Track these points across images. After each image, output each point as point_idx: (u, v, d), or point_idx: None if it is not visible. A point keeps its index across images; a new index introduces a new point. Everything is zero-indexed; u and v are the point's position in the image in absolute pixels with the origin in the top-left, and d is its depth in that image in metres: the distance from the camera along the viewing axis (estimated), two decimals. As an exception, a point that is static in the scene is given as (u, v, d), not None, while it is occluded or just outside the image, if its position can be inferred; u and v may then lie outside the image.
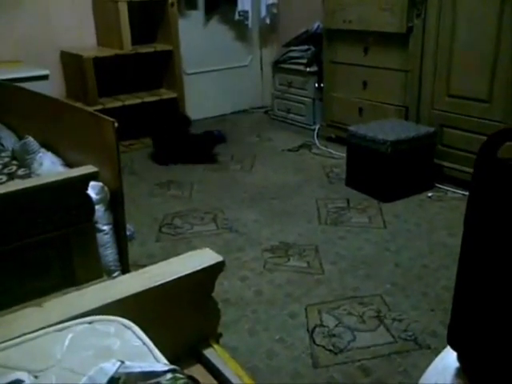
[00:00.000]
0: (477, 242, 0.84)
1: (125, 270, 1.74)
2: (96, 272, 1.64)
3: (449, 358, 0.96)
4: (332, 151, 3.60)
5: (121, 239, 1.73)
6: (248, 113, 4.65)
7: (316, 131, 3.91)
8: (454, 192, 2.85)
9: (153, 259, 2.21)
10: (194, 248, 1.18)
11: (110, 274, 1.72)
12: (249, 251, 2.36)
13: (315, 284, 2.10)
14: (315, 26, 4.00)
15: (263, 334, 1.82)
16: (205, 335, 1.16)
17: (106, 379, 0.73)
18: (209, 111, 4.46)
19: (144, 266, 1.95)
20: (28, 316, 0.93)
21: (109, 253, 1.70)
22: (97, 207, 1.61)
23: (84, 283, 1.62)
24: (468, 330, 0.90)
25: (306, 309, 1.94)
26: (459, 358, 0.94)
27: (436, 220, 2.59)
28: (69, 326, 0.89)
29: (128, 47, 3.55)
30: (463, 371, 0.94)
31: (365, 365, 1.66)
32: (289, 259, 2.29)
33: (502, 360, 0.85)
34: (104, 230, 1.67)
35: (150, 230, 2.58)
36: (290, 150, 3.68)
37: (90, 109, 2.78)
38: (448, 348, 0.96)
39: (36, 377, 0.78)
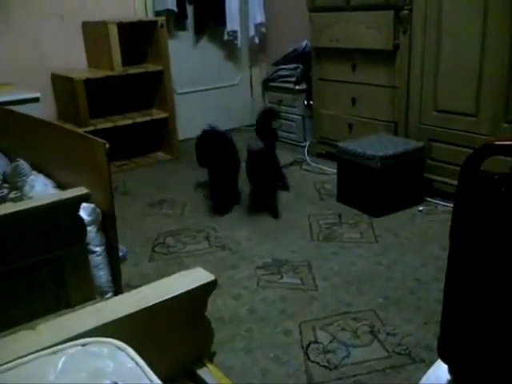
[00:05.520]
0: (462, 254, 0.86)
1: (118, 291, 1.74)
2: (89, 293, 1.64)
3: (440, 371, 0.97)
4: (323, 167, 3.62)
5: (113, 260, 1.73)
6: (239, 131, 4.67)
7: (306, 148, 3.94)
8: (444, 205, 2.88)
9: (146, 279, 2.20)
10: (187, 267, 1.19)
11: (103, 295, 1.72)
12: (242, 269, 2.36)
13: (309, 300, 2.10)
14: (303, 44, 4.06)
15: (257, 351, 1.82)
16: (199, 354, 1.16)
17: (99, 401, 0.74)
18: (198, 130, 4.47)
19: (137, 286, 1.95)
20: (21, 339, 0.93)
21: (102, 274, 1.70)
22: (89, 228, 1.62)
23: (77, 305, 1.62)
24: (458, 343, 0.92)
25: (299, 325, 1.94)
26: (450, 371, 0.95)
27: (427, 233, 2.61)
28: (62, 349, 0.89)
29: (119, 68, 3.58)
30: (455, 383, 0.95)
31: (360, 380, 1.66)
32: (282, 276, 2.29)
33: (491, 371, 0.86)
34: (96, 252, 1.67)
35: (142, 250, 2.58)
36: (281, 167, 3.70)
37: (82, 130, 2.80)
38: (439, 361, 0.97)
39: (29, 400, 0.78)
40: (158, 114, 3.91)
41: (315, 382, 1.67)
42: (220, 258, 2.48)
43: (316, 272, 2.31)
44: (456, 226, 0.87)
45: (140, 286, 1.39)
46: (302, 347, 1.83)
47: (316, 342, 1.85)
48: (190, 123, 4.31)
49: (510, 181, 0.83)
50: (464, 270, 0.87)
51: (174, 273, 2.26)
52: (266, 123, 3.04)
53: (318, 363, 1.75)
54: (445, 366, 0.97)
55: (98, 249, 1.67)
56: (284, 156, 3.90)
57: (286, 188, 3.20)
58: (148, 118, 3.85)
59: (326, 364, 1.74)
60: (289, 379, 1.68)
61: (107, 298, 1.67)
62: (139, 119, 3.80)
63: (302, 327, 1.93)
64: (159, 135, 4.04)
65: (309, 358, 1.77)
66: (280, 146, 4.13)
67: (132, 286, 2.04)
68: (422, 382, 1.02)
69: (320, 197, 3.16)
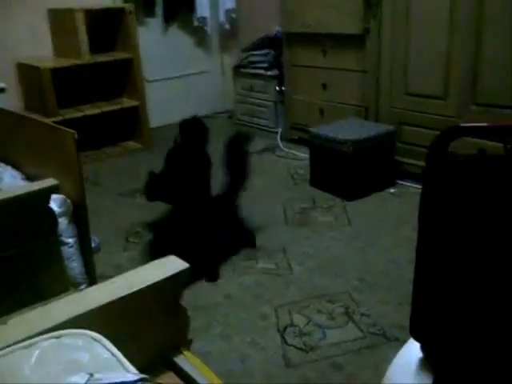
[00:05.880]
0: (431, 234, 0.88)
1: (92, 282, 1.72)
2: (62, 285, 1.62)
3: (413, 349, 1.00)
4: (295, 153, 3.64)
5: (86, 251, 1.72)
6: (211, 118, 4.64)
7: (279, 134, 3.95)
8: (415, 187, 2.92)
9: (120, 270, 2.18)
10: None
11: (76, 286, 1.70)
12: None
13: (284, 284, 2.12)
14: (275, 30, 4.04)
15: (235, 337, 1.83)
16: (175, 343, 1.16)
17: (75, 393, 0.73)
18: (170, 118, 4.43)
19: (111, 277, 1.93)
20: (-8, 334, 0.91)
21: (75, 266, 1.68)
22: (60, 220, 1.60)
23: (51, 297, 1.60)
24: (428, 321, 0.94)
25: (276, 309, 1.96)
26: (422, 348, 0.98)
27: (399, 215, 2.66)
28: (36, 342, 0.88)
29: (86, 57, 3.51)
30: (426, 360, 0.97)
31: (336, 361, 1.69)
32: (257, 262, 2.31)
33: (462, 347, 0.88)
34: (68, 243, 1.65)
35: (116, 241, 2.55)
36: (253, 153, 3.70)
37: (50, 120, 2.74)
38: (411, 339, 1.00)
39: (4, 395, 0.77)
40: (128, 103, 3.85)
41: (292, 364, 1.69)
42: (195, 245, 2.47)
43: (291, 256, 2.33)
44: (424, 207, 0.88)
45: (114, 276, 1.37)
46: (279, 331, 1.85)
47: (292, 325, 1.87)
48: (161, 111, 4.27)
49: (476, 162, 0.85)
50: (432, 251, 0.89)
51: (148, 262, 2.25)
52: (235, 152, 2.43)
53: (294, 346, 1.77)
54: (417, 344, 0.99)
55: (70, 240, 1.65)
56: (257, 142, 3.90)
57: (252, 244, 2.44)
58: (118, 107, 3.80)
59: (302, 346, 1.76)
60: (266, 363, 1.70)
61: (81, 290, 1.66)
62: (108, 108, 3.75)
63: (279, 311, 1.95)
64: (130, 124, 3.98)
65: (286, 342, 1.79)
66: (252, 133, 4.15)
67: (106, 277, 2.01)
68: (394, 360, 1.04)
69: (293, 182, 3.18)
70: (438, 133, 0.91)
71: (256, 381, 1.64)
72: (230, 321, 1.92)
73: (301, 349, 1.76)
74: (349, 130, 2.94)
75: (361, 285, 2.09)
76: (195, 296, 2.04)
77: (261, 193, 3.03)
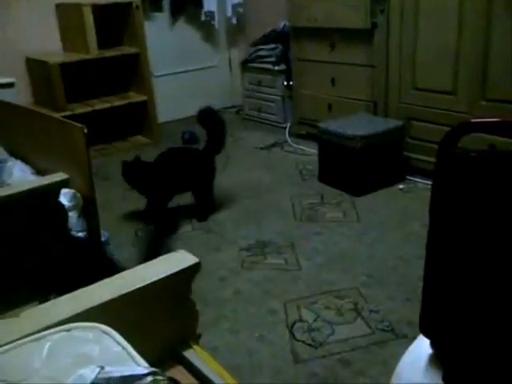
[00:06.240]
0: (441, 230, 0.87)
1: (101, 276, 1.73)
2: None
3: (422, 345, 0.99)
4: (304, 148, 3.63)
5: (96, 245, 1.72)
6: (219, 112, 4.65)
7: (287, 129, 3.94)
8: (424, 183, 2.91)
9: (131, 264, 2.19)
10: (170, 251, 1.19)
11: (86, 280, 1.71)
12: (226, 251, 2.37)
13: (293, 280, 2.13)
14: (282, 24, 4.02)
15: (243, 332, 1.84)
16: (184, 337, 1.17)
17: (86, 386, 0.74)
18: (178, 113, 4.44)
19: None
20: (4, 326, 0.92)
21: (84, 260, 1.69)
22: (70, 214, 1.60)
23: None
24: (438, 317, 0.94)
25: (284, 305, 1.97)
26: (432, 345, 0.98)
27: (408, 211, 2.65)
28: (46, 335, 0.88)
29: (94, 51, 3.52)
30: (436, 357, 0.97)
31: (344, 357, 1.69)
32: (266, 257, 2.31)
33: (472, 343, 0.88)
34: (79, 237, 1.66)
35: (125, 235, 2.56)
36: (262, 149, 3.70)
37: (59, 115, 2.75)
38: (421, 336, 0.99)
39: (15, 387, 0.78)
40: (136, 98, 3.86)
41: (301, 360, 1.69)
42: (203, 240, 2.48)
43: (299, 252, 2.32)
44: (434, 203, 0.88)
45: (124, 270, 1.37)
46: (287, 326, 1.85)
47: (301, 320, 1.88)
48: (169, 106, 4.28)
49: (487, 158, 0.84)
50: (443, 247, 0.88)
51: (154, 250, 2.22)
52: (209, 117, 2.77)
53: (303, 341, 1.77)
54: (426, 341, 0.99)
55: (80, 234, 1.66)
56: (265, 138, 3.91)
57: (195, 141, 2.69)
58: (126, 102, 3.80)
59: (311, 342, 1.77)
60: (275, 358, 1.71)
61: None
62: (117, 103, 3.75)
63: (287, 307, 1.96)
64: (138, 119, 3.99)
65: (294, 337, 1.79)
66: (261, 128, 4.15)
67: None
68: (404, 356, 1.04)
69: (302, 177, 3.17)
70: (447, 128, 0.90)
71: (264, 376, 1.64)
72: (239, 316, 1.93)
73: (309, 344, 1.76)
74: (358, 125, 2.93)
75: (369, 281, 2.09)
76: (204, 290, 2.05)
77: (269, 188, 3.03)
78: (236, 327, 1.86)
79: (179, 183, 2.64)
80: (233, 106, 4.74)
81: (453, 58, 2.71)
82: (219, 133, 2.71)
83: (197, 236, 2.53)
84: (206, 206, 2.73)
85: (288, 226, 2.57)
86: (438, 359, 0.96)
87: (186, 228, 2.61)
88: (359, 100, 3.32)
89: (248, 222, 2.64)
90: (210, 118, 2.74)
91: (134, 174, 2.64)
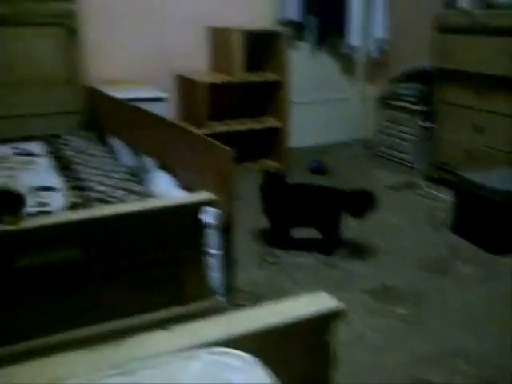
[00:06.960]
0: None
1: (229, 294, 1.76)
2: (204, 294, 1.67)
3: None
4: (436, 193, 3.45)
5: (228, 264, 1.76)
6: (347, 145, 4.61)
7: (420, 171, 3.79)
8: None
9: (256, 287, 2.23)
10: (295, 281, 1.17)
11: (214, 296, 1.74)
12: (349, 290, 2.29)
13: (417, 333, 2.00)
14: (425, 64, 3.91)
15: (361, 379, 1.75)
16: (317, 378, 1.14)
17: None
18: (309, 140, 4.47)
19: (248, 292, 1.95)
20: (158, 339, 0.95)
21: (215, 276, 1.73)
22: (211, 232, 1.65)
23: (189, 303, 1.66)
24: None
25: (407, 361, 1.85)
26: None
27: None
28: (197, 355, 0.90)
29: (239, 75, 3.65)
30: None
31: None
32: (390, 304, 2.20)
33: None
34: (214, 254, 1.70)
35: (251, 257, 2.58)
36: (392, 188, 3.58)
37: (201, 132, 2.87)
38: None
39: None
40: (271, 123, 3.92)
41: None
42: (327, 275, 2.43)
43: (424, 304, 2.19)
44: None
45: (251, 292, 1.37)
46: None
47: (423, 380, 1.75)
48: (299, 132, 4.31)
49: None
50: None
51: (283, 285, 2.25)
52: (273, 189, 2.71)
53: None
54: None
55: (215, 252, 1.70)
56: (394, 176, 3.78)
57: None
58: (262, 126, 3.88)
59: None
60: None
61: (219, 300, 1.70)
62: (253, 126, 3.85)
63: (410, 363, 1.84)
64: (269, 143, 4.06)
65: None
66: (389, 165, 4.03)
67: (244, 292, 2.08)
68: None
69: (433, 225, 3.00)
70: None
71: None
72: (357, 361, 1.84)
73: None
74: (502, 178, 2.73)
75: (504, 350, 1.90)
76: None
77: (398, 231, 2.91)
78: (353, 371, 1.78)
79: (304, 217, 2.64)
80: (360, 140, 4.68)
81: None
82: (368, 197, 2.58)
83: (321, 269, 2.48)
84: (331, 240, 2.67)
85: (412, 275, 2.44)
86: None
87: (310, 259, 2.58)
88: (501, 151, 3.10)
89: (375, 264, 2.56)
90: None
91: (273, 188, 2.68)
